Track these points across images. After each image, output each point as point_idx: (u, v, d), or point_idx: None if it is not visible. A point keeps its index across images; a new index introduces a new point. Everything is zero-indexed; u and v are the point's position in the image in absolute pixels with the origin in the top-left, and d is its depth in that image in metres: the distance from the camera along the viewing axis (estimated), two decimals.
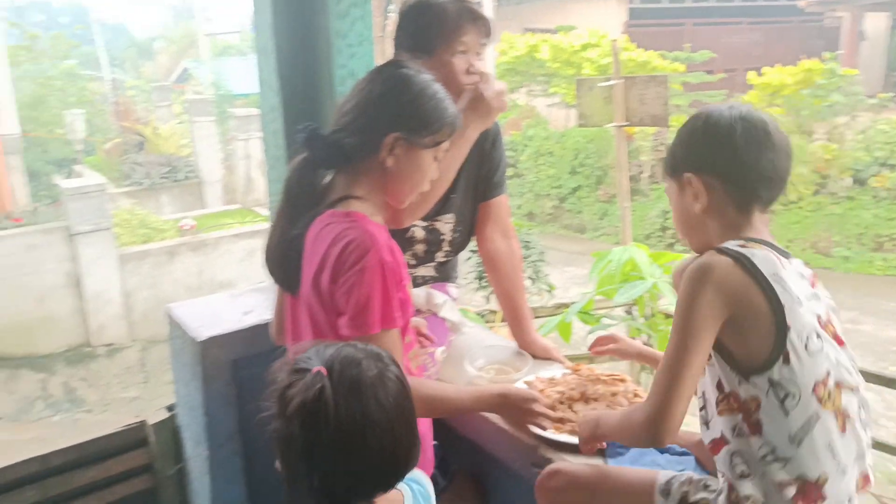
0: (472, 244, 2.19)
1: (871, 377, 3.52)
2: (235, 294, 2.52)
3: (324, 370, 1.08)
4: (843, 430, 1.19)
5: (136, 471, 2.42)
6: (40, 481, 2.32)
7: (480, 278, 3.57)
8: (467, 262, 2.87)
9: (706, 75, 13.83)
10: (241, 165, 11.01)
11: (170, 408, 2.45)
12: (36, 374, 5.27)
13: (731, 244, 1.24)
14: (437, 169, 1.56)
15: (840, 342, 1.26)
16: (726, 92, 13.07)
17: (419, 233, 1.98)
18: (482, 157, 2.01)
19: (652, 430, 1.20)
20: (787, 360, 1.16)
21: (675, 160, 1.35)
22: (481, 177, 2.03)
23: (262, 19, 2.15)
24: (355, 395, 1.07)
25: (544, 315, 3.70)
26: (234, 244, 6.51)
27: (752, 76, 11.82)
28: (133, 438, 2.42)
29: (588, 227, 12.76)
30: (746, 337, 1.18)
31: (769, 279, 1.18)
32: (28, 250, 5.51)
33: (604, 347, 1.75)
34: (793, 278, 1.22)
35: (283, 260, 1.56)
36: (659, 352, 1.81)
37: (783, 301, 1.17)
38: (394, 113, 1.47)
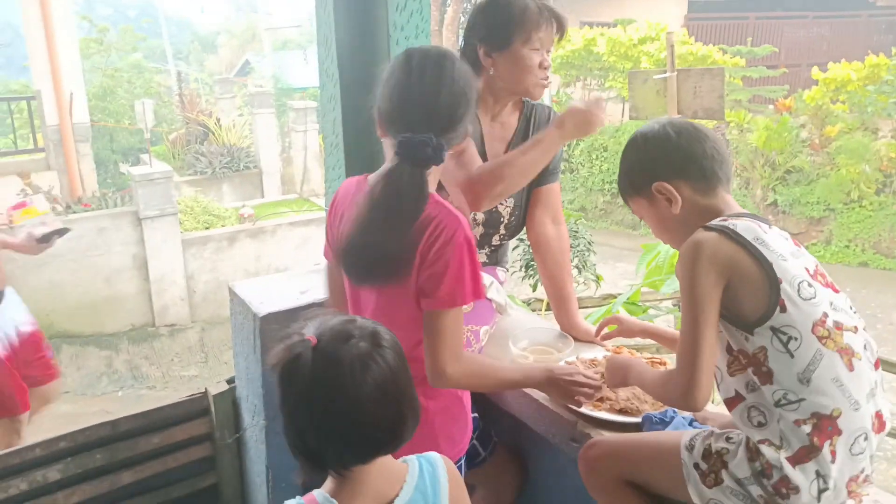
0: (521, 234, 2.26)
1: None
2: (293, 275, 2.64)
3: (313, 339, 1.14)
4: (851, 367, 1.25)
5: (198, 439, 2.56)
6: (110, 445, 2.48)
7: (527, 267, 3.62)
8: (514, 250, 2.93)
9: (767, 70, 13.51)
10: (299, 157, 11.25)
11: (230, 381, 2.59)
12: (102, 351, 5.53)
13: (714, 222, 1.36)
14: None
15: (835, 289, 1.34)
16: (787, 87, 12.75)
17: (480, 216, 2.06)
18: None
19: (689, 399, 1.30)
20: (783, 309, 1.25)
21: (636, 180, 1.49)
22: None
23: (324, 11, 2.25)
24: (333, 368, 1.13)
25: (591, 305, 3.73)
26: (291, 232, 6.70)
27: (815, 71, 11.51)
28: (195, 408, 2.55)
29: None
30: (744, 297, 1.28)
31: (753, 243, 1.29)
32: (99, 233, 5.78)
33: (607, 332, 1.85)
34: (776, 240, 1.33)
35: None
36: (661, 327, 1.90)
37: (769, 259, 1.28)
38: (471, 109, 1.55)
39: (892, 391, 4.46)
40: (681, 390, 1.30)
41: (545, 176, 2.11)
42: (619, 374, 1.55)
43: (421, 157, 1.45)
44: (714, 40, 15.21)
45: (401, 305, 1.53)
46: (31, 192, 7.05)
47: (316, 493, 1.19)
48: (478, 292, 1.50)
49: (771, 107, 12.51)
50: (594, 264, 3.35)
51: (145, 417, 2.54)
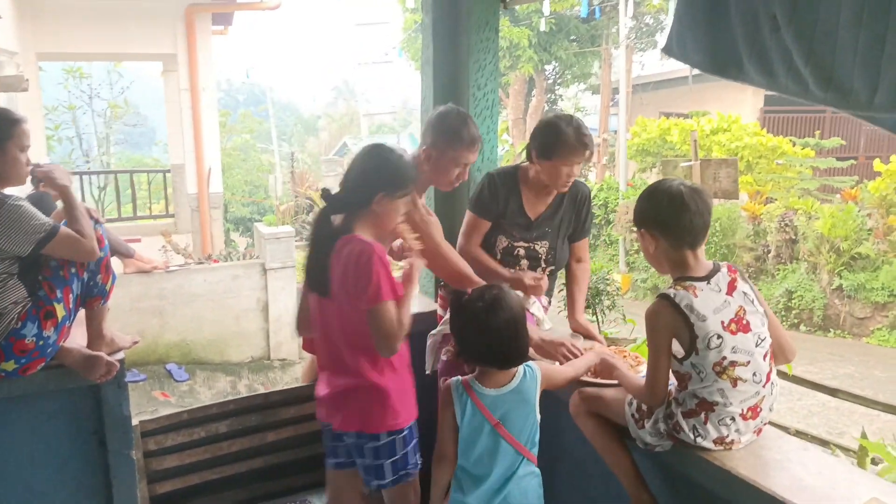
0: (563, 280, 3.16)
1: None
2: None
3: (468, 293, 2.13)
4: (735, 385, 1.93)
5: None
6: (262, 410, 3.38)
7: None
8: (560, 292, 3.81)
9: (836, 161, 14.00)
10: None
11: None
12: (227, 376, 6.58)
13: (668, 288, 2.00)
14: (402, 212, 2.35)
15: (746, 330, 1.95)
16: (856, 178, 13.23)
17: (522, 251, 2.93)
18: (577, 211, 2.98)
19: (651, 400, 2.09)
20: (697, 353, 1.94)
21: (636, 218, 2.12)
22: (574, 225, 2.99)
23: (424, 110, 3.31)
24: (471, 310, 2.09)
25: (626, 344, 4.51)
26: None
27: (878, 164, 12.02)
28: None
29: None
30: (680, 342, 1.98)
31: (684, 310, 1.93)
32: (233, 280, 6.90)
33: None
34: (704, 300, 1.94)
35: (318, 274, 2.29)
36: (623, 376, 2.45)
37: (692, 321, 1.93)
38: (380, 178, 2.24)
39: None
40: (646, 396, 2.10)
41: (579, 235, 3.02)
42: (608, 368, 2.37)
43: (324, 200, 2.28)
44: (787, 132, 15.82)
45: (353, 312, 2.19)
46: (170, 249, 8.34)
47: (468, 376, 2.16)
48: (394, 291, 2.15)
49: (838, 196, 12.97)
50: (622, 306, 4.14)
51: (287, 394, 3.48)
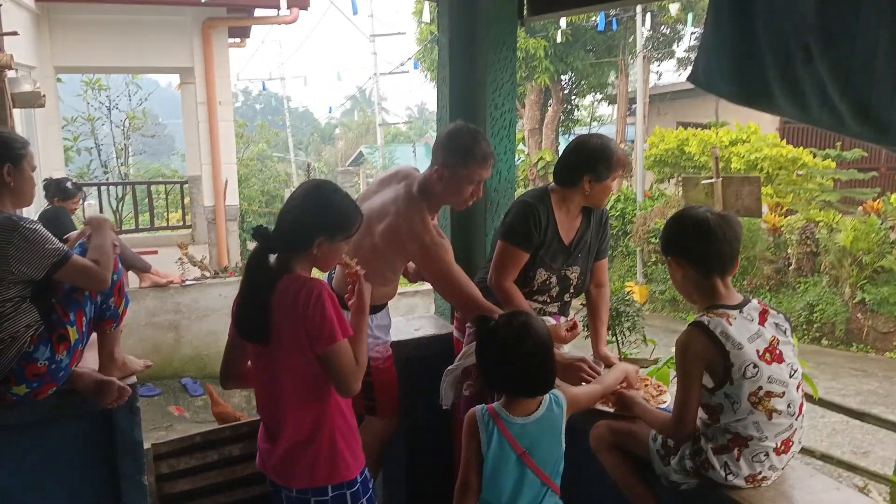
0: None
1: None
2: (410, 318, 3.60)
3: (496, 317, 2.10)
4: (770, 418, 1.90)
5: None
6: None
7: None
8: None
9: (858, 174, 13.81)
10: None
11: None
12: (243, 391, 6.61)
13: (701, 316, 1.95)
14: (344, 251, 2.19)
15: (780, 360, 1.92)
16: (878, 190, 13.04)
17: (553, 279, 2.83)
18: (600, 231, 2.92)
19: (676, 434, 2.03)
20: (731, 383, 1.89)
21: (662, 246, 2.13)
22: (597, 246, 2.93)
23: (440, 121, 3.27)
24: (497, 337, 2.05)
25: (646, 365, 4.43)
26: (399, 301, 7.72)
27: None
28: None
29: None
30: (711, 373, 1.93)
31: (719, 337, 1.88)
32: None
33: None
34: (738, 328, 1.90)
35: (255, 322, 2.10)
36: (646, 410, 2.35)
37: (727, 349, 1.88)
38: (321, 222, 2.09)
39: None
40: (673, 430, 2.04)
41: (598, 255, 2.96)
42: (627, 405, 2.32)
43: (258, 240, 2.10)
44: (807, 143, 15.63)
45: (299, 359, 2.05)
46: (186, 261, 8.34)
47: (494, 404, 2.11)
48: (345, 330, 2.02)
49: (860, 208, 12.78)
50: (643, 327, 4.08)
51: None
